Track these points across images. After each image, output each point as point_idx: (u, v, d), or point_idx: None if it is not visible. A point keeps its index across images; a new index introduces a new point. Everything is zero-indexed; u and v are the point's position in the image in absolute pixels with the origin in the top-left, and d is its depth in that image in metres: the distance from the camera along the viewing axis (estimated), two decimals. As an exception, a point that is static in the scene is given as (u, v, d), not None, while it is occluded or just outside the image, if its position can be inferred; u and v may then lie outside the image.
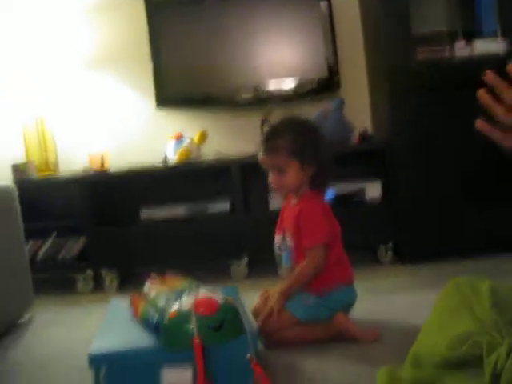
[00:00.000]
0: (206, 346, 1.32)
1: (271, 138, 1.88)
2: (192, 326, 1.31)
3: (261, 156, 1.91)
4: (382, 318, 1.97)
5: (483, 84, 1.16)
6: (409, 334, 1.50)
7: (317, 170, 1.87)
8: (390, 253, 2.87)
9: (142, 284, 1.78)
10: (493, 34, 2.75)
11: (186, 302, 1.37)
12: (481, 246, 2.72)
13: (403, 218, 2.80)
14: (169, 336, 1.34)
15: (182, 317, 1.34)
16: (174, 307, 1.38)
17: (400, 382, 1.21)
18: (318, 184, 1.91)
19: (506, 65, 0.99)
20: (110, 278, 2.93)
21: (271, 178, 1.90)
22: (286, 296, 1.80)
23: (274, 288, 1.87)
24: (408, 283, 2.49)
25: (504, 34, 2.71)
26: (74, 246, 3.01)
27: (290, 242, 1.89)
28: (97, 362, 1.33)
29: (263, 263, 3.16)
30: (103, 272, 2.94)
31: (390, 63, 2.76)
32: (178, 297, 1.48)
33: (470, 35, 2.77)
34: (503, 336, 1.16)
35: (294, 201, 1.93)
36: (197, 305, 1.35)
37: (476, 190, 2.74)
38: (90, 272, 2.95)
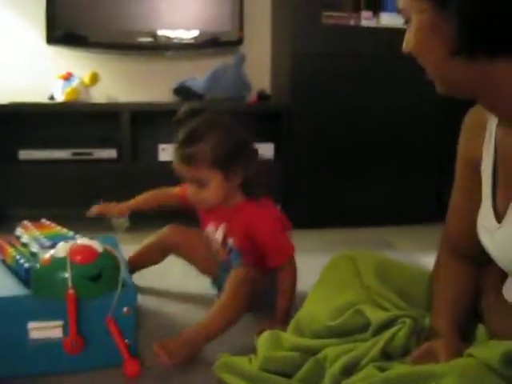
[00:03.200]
0: (80, 298, 1.23)
1: (189, 144, 1.55)
2: (66, 274, 1.21)
3: (176, 164, 1.59)
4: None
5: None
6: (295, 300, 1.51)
7: (248, 177, 1.61)
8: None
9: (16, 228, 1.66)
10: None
11: (62, 248, 1.26)
12: (362, 218, 2.84)
13: (292, 182, 2.81)
14: (40, 284, 1.23)
15: (56, 264, 1.23)
16: (48, 253, 1.27)
17: (282, 346, 1.19)
18: (252, 192, 1.65)
19: None
20: (-20, 219, 2.74)
21: (189, 191, 1.62)
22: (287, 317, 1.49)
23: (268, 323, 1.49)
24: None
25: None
26: None
27: (235, 246, 1.67)
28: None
29: (146, 217, 3.08)
30: (-27, 212, 2.74)
31: (295, 25, 2.72)
32: (52, 243, 1.37)
33: (375, 7, 2.79)
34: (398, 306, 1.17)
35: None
36: (73, 252, 1.24)
37: (368, 164, 2.83)
38: (-42, 211, 2.74)
